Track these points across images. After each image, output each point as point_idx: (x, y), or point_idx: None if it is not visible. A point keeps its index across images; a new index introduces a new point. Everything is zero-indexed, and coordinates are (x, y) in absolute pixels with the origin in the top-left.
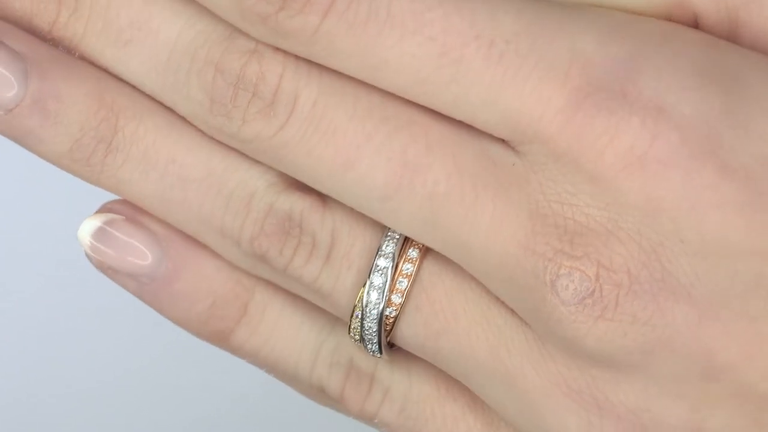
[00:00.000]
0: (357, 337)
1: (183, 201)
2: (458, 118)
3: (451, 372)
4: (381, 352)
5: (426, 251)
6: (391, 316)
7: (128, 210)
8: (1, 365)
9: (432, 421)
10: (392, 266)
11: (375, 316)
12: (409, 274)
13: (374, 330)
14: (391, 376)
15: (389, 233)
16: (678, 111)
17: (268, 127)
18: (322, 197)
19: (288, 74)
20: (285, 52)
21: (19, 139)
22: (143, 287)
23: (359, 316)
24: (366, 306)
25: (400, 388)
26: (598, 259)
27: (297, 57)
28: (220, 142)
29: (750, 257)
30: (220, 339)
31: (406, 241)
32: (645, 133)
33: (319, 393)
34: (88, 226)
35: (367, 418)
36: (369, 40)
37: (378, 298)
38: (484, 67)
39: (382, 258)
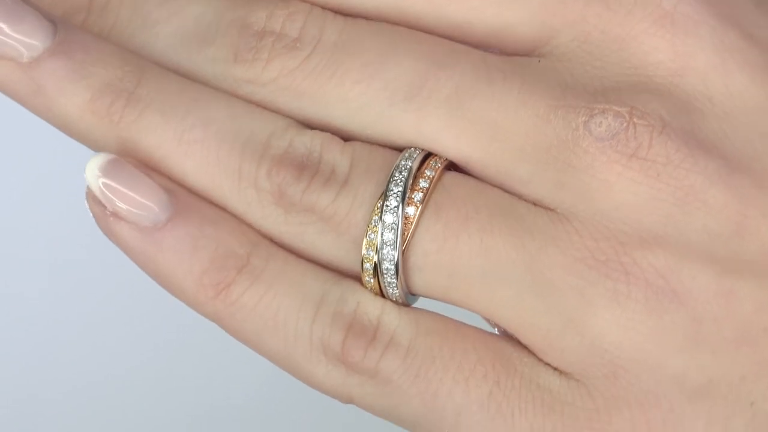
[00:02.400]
0: (370, 270)
1: (203, 140)
2: (488, 24)
3: (468, 279)
4: (397, 273)
5: (443, 170)
6: (412, 216)
7: (134, 161)
8: (1, 366)
9: (439, 357)
10: (412, 173)
11: (394, 220)
12: (428, 183)
13: (393, 241)
14: (398, 318)
15: (404, 156)
16: None
17: (294, 59)
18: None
19: (312, 17)
20: (307, 3)
21: (40, 90)
22: (145, 235)
23: (374, 241)
24: (384, 210)
25: (407, 330)
26: (631, 104)
27: (320, 6)
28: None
29: None
30: (217, 293)
31: (424, 160)
32: None
33: (316, 361)
34: (98, 160)
35: (366, 376)
36: None
37: (397, 202)
38: None
39: (395, 182)
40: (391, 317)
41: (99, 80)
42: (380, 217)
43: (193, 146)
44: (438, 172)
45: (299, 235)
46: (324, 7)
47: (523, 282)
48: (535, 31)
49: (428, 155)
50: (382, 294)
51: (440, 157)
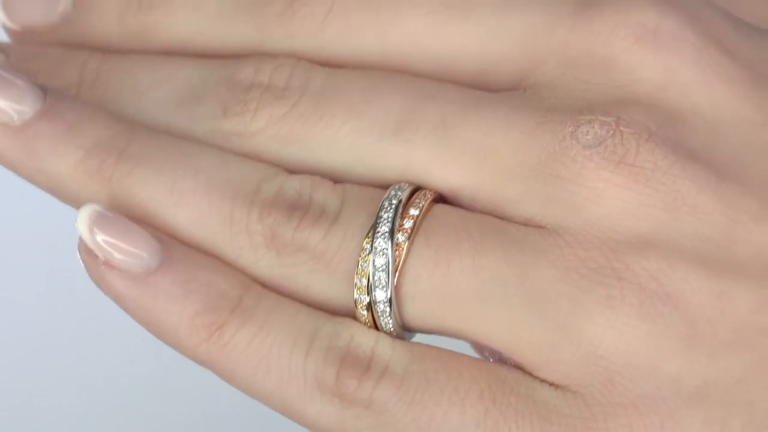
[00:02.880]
0: (363, 301)
1: (194, 190)
2: (473, 62)
3: (461, 302)
4: (390, 305)
5: (432, 201)
6: (402, 243)
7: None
8: (2, 366)
9: (434, 381)
10: (402, 203)
11: (384, 247)
12: (418, 211)
13: (384, 267)
14: (392, 348)
15: (394, 188)
16: (681, 2)
17: (282, 107)
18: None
19: (298, 69)
20: (293, 57)
21: (31, 152)
22: (137, 282)
23: (365, 269)
24: (374, 239)
25: (401, 358)
26: (617, 114)
27: (304, 59)
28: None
29: (763, 127)
30: (210, 334)
31: (412, 193)
32: (654, 12)
33: (311, 398)
34: (88, 210)
35: (361, 407)
36: (380, 7)
37: (387, 229)
38: (497, 3)
39: (385, 210)
40: (385, 348)
41: (90, 140)
42: (371, 247)
43: (185, 196)
44: (428, 201)
45: (293, 277)
46: (310, 60)
47: (516, 297)
48: (520, 64)
49: (418, 189)
50: (376, 327)
51: (429, 190)
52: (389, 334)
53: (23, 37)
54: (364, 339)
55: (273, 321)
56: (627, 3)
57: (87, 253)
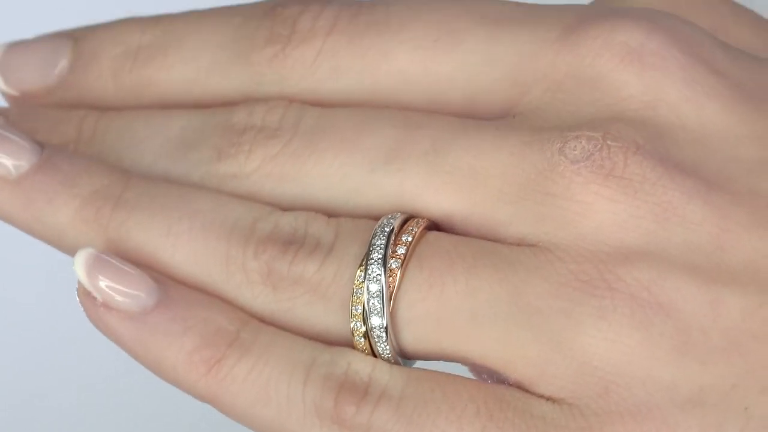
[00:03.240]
0: (360, 328)
1: (190, 231)
2: (461, 94)
3: (456, 324)
4: (387, 331)
5: (425, 228)
6: (396, 269)
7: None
8: (1, 366)
9: (431, 401)
10: (395, 230)
11: (378, 272)
12: (411, 237)
13: (378, 292)
14: (389, 373)
15: (386, 217)
16: (665, 22)
17: (275, 146)
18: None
19: (290, 109)
20: (285, 100)
21: (29, 203)
22: (135, 321)
23: (360, 297)
24: (368, 265)
25: (398, 381)
26: (605, 130)
27: (296, 101)
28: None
29: (750, 142)
30: (208, 368)
31: (405, 222)
32: (639, 32)
33: (310, 426)
34: (84, 254)
35: (361, 431)
36: (369, 47)
37: (380, 255)
38: (484, 34)
39: (377, 237)
40: (382, 373)
41: (86, 189)
42: (364, 274)
43: (181, 238)
44: (420, 228)
45: (290, 311)
46: (302, 101)
47: (510, 315)
48: (508, 93)
49: (410, 217)
50: (374, 354)
51: (422, 218)
52: (387, 360)
53: (21, 101)
54: (361, 366)
55: (270, 353)
56: (611, 25)
57: (85, 295)
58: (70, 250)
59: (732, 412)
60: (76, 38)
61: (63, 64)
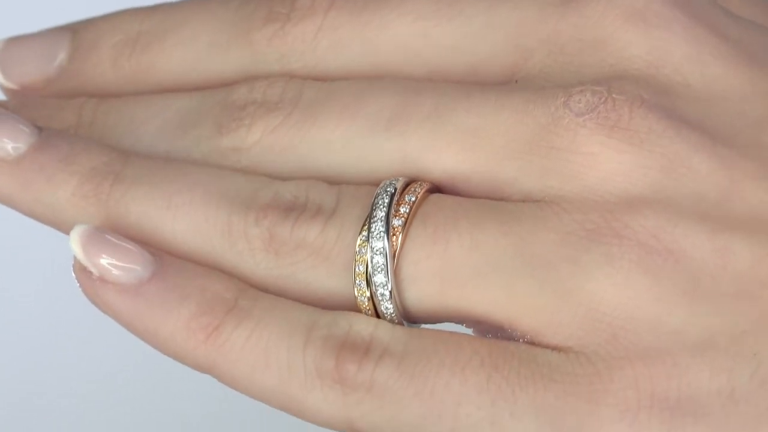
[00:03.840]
0: (363, 287)
1: (191, 202)
2: (465, 62)
3: (461, 279)
4: (390, 288)
5: (427, 190)
6: (399, 227)
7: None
8: (1, 366)
9: (434, 354)
10: (398, 191)
11: (382, 229)
12: (414, 197)
13: (382, 250)
14: (391, 331)
15: (389, 180)
16: None
17: (276, 118)
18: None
19: (291, 83)
20: (285, 75)
21: (27, 183)
22: (132, 293)
23: (364, 255)
24: (371, 223)
25: (400, 339)
26: (608, 84)
27: (297, 76)
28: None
29: (755, 99)
30: (207, 336)
31: (407, 186)
32: None
33: (311, 388)
34: (79, 230)
35: (363, 390)
36: (369, 21)
37: (383, 212)
38: (484, 2)
39: (380, 197)
40: (384, 332)
41: (85, 166)
42: (368, 233)
43: (181, 209)
44: (423, 190)
45: (293, 276)
46: (302, 77)
47: (515, 266)
48: (511, 58)
49: (413, 181)
50: (377, 315)
51: (425, 181)
52: (390, 321)
53: (20, 94)
54: (363, 326)
55: (269, 317)
56: None
57: (81, 271)
58: (70, 229)
59: (742, 356)
60: (75, 30)
61: (62, 56)
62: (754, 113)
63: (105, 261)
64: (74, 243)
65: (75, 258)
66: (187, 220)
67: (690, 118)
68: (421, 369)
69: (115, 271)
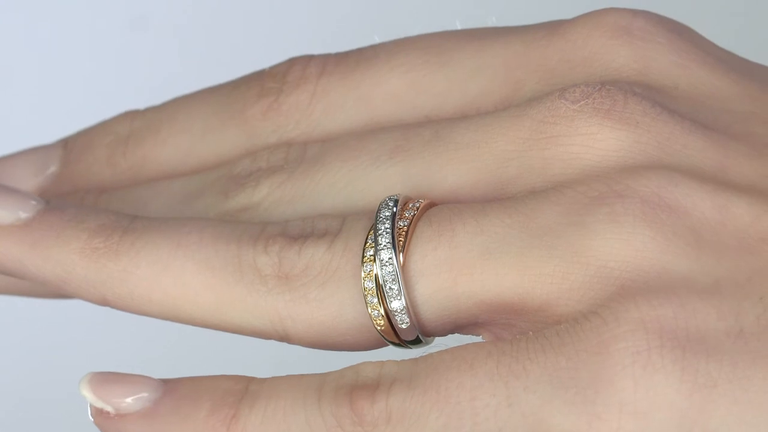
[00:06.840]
0: (372, 288)
1: (200, 240)
2: (456, 105)
3: (470, 263)
4: (399, 284)
5: (426, 206)
6: (405, 227)
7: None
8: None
9: (441, 363)
10: (401, 202)
11: (387, 228)
12: (417, 204)
13: (389, 246)
14: (397, 365)
15: (388, 196)
16: (649, 11)
17: (282, 174)
18: None
19: (293, 148)
20: (285, 145)
21: (36, 243)
22: (147, 419)
23: (371, 256)
24: (378, 224)
25: (407, 367)
26: (601, 78)
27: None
28: None
29: (741, 99)
30: (227, 427)
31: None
32: (626, 13)
33: None
34: (86, 379)
35: (382, 422)
36: (361, 80)
37: (390, 212)
38: (472, 48)
39: (385, 202)
40: (390, 367)
41: (94, 223)
42: (374, 234)
43: (192, 247)
44: (423, 204)
45: (304, 297)
46: (302, 142)
47: (522, 239)
48: (504, 91)
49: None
50: (390, 324)
51: (425, 199)
52: (400, 312)
53: None
54: (369, 369)
55: (279, 390)
56: (598, 13)
57: (99, 414)
58: (81, 287)
59: (748, 300)
60: (66, 141)
61: (53, 168)
62: (742, 109)
63: (117, 399)
64: (84, 390)
65: (90, 405)
66: (197, 257)
67: (679, 110)
68: (432, 380)
69: (129, 401)
